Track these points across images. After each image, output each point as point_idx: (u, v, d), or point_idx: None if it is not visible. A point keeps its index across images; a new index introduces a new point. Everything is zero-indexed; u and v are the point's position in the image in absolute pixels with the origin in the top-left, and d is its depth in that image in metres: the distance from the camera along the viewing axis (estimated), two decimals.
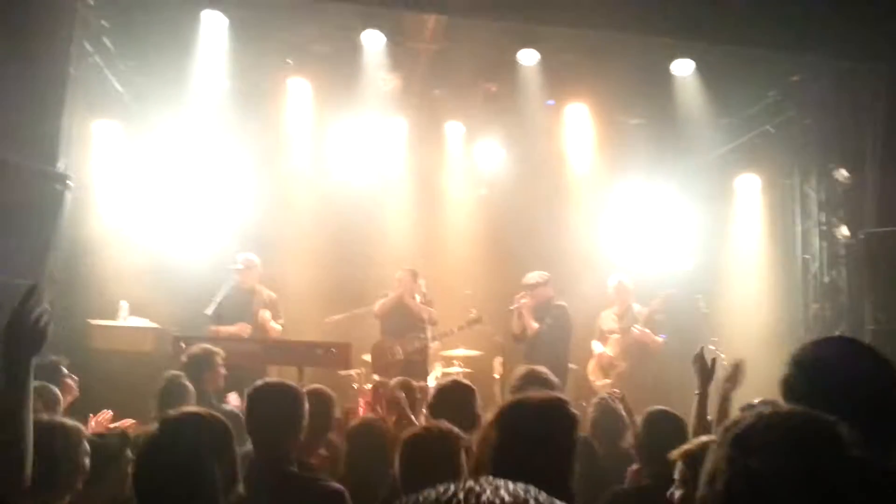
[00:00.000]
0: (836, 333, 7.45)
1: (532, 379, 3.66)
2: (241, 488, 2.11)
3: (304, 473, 2.74)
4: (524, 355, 6.75)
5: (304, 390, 3.09)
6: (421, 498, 0.78)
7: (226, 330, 6.47)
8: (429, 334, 6.97)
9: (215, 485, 2.00)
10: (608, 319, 7.51)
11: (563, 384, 6.93)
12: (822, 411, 1.59)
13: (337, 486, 2.64)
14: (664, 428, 3.34)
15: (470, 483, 0.77)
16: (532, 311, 6.92)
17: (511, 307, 6.99)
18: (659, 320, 7.32)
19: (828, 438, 1.09)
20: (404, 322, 7.00)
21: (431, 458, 2.40)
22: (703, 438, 2.52)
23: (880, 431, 1.55)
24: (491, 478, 0.79)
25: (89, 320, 6.66)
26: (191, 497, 1.96)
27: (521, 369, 4.00)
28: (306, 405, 2.82)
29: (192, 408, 3.50)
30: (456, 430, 2.56)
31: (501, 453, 1.84)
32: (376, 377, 6.73)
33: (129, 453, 2.54)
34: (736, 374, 3.51)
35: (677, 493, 2.43)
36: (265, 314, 6.77)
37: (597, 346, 7.43)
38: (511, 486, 0.78)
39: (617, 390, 4.63)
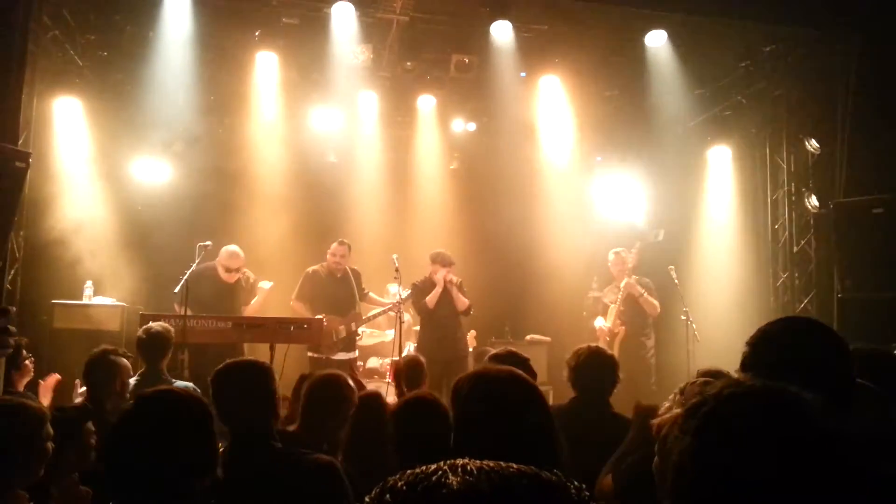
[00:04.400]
0: (804, 301, 7.58)
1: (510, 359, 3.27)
2: (219, 472, 2.04)
3: (290, 449, 2.65)
4: (437, 327, 6.70)
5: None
6: (408, 472, 0.80)
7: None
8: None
9: (188, 467, 1.93)
10: (611, 294, 7.44)
11: None
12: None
13: (327, 458, 2.57)
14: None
15: (451, 460, 0.81)
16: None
17: (455, 284, 6.79)
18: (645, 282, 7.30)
19: (794, 427, 1.03)
20: (348, 302, 6.88)
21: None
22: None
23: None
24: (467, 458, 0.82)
25: (53, 300, 6.52)
26: (161, 477, 1.88)
27: (500, 350, 3.67)
28: (274, 379, 2.75)
29: (169, 386, 3.43)
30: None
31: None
32: (311, 354, 6.69)
33: (90, 426, 2.48)
34: None
35: None
36: (263, 285, 6.76)
37: (599, 322, 7.38)
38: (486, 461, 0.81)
39: None
